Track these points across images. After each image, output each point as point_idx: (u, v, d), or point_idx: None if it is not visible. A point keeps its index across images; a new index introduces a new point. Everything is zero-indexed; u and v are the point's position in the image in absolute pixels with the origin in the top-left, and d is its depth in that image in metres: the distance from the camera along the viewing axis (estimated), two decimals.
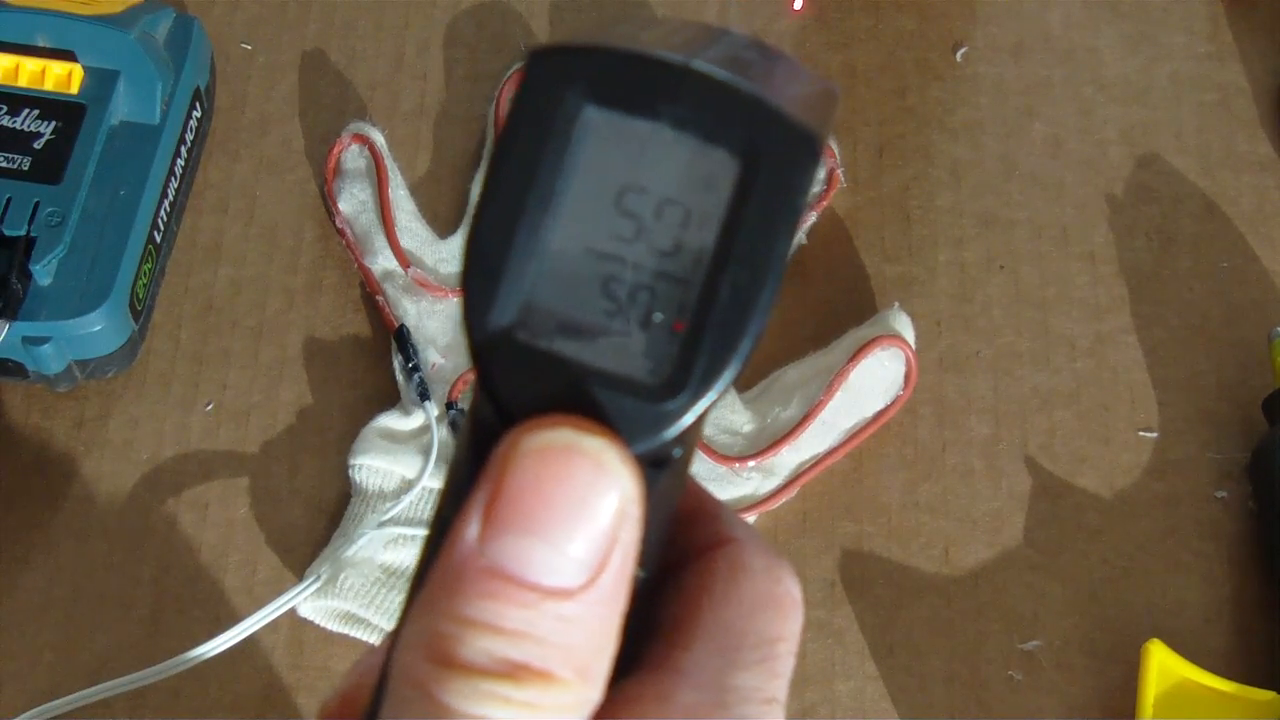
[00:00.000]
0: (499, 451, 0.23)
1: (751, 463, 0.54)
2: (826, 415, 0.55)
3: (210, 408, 0.57)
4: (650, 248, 0.23)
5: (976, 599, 0.54)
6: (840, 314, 0.58)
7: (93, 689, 0.51)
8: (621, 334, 0.23)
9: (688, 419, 0.23)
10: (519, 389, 0.23)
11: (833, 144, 0.59)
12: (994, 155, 0.62)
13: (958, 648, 0.53)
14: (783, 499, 0.54)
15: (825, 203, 0.59)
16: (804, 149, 0.23)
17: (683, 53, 0.24)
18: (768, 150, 0.23)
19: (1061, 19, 0.65)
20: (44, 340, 0.53)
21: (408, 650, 0.23)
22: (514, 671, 0.22)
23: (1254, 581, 0.54)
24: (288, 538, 0.55)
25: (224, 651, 0.51)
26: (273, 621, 0.51)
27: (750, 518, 0.54)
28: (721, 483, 0.54)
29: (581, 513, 0.23)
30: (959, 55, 0.64)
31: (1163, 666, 0.50)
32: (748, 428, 0.55)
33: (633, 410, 0.23)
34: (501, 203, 0.23)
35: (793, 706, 0.52)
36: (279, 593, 0.52)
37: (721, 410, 0.56)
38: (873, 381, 0.55)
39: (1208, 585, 0.54)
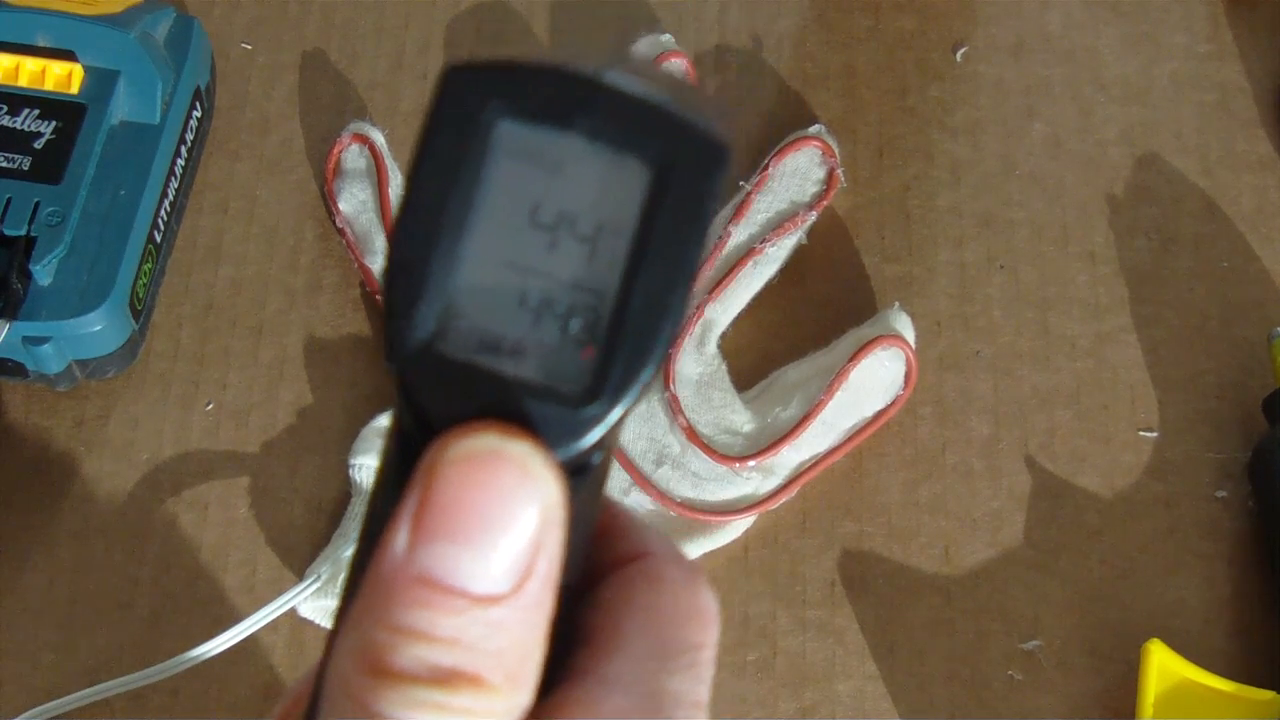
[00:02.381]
0: (424, 461, 0.23)
1: (751, 463, 0.54)
2: (826, 415, 0.55)
3: (210, 408, 0.57)
4: (566, 258, 0.24)
5: (976, 599, 0.54)
6: (840, 314, 0.58)
7: (93, 689, 0.51)
8: (540, 344, 0.24)
9: (607, 424, 0.24)
10: (441, 401, 0.24)
11: (833, 144, 0.59)
12: (994, 155, 0.62)
13: (958, 648, 0.53)
14: (783, 499, 0.54)
15: (825, 202, 0.59)
16: (714, 158, 0.24)
17: (594, 70, 0.24)
18: (679, 159, 0.24)
19: (1061, 19, 0.65)
20: (44, 340, 0.54)
21: (342, 659, 0.24)
22: (446, 678, 0.23)
23: (1254, 581, 0.54)
24: (288, 538, 0.55)
25: (224, 651, 0.51)
26: (273, 621, 0.51)
27: (750, 518, 0.54)
28: (721, 483, 0.54)
29: (507, 518, 0.23)
30: (959, 55, 0.64)
31: (1163, 666, 0.49)
32: (748, 428, 0.55)
33: (553, 417, 0.24)
34: (419, 218, 0.24)
35: (793, 706, 0.52)
36: (279, 593, 0.52)
37: (721, 410, 0.56)
38: (873, 381, 0.55)
39: (1208, 585, 0.54)
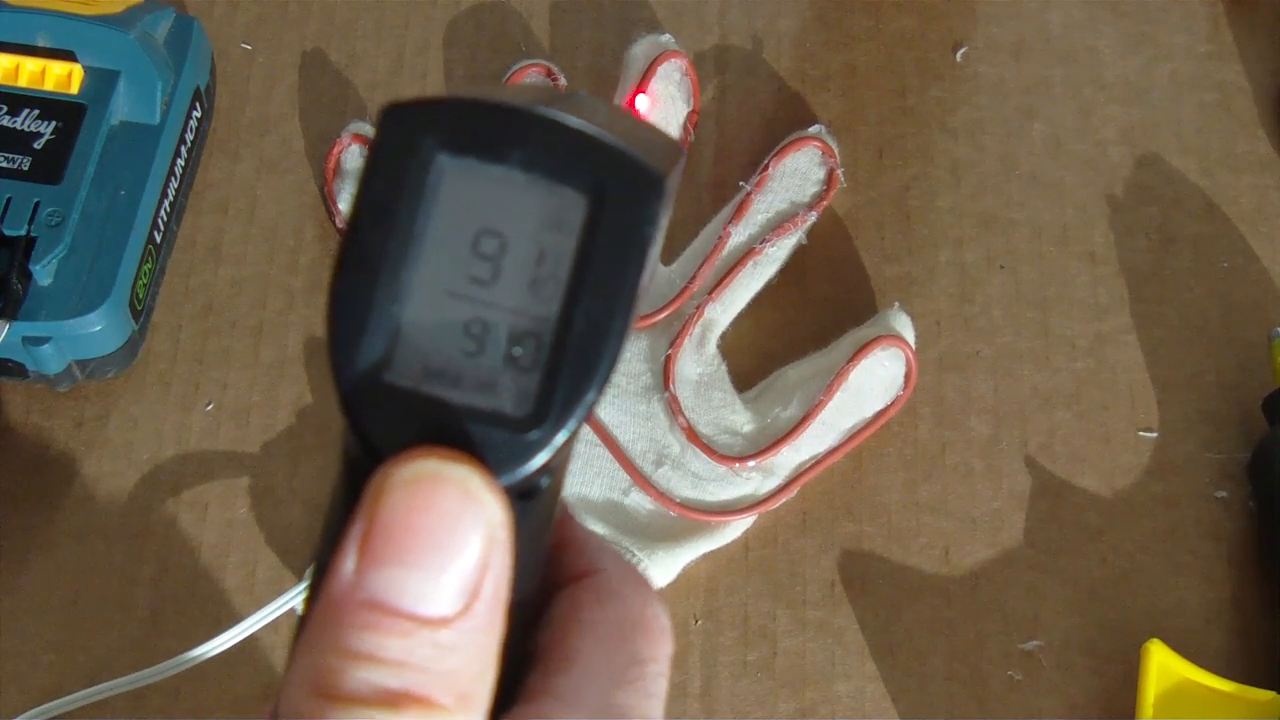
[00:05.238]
0: (370, 487, 0.24)
1: (751, 463, 0.54)
2: (826, 415, 0.55)
3: (210, 408, 0.57)
4: (507, 287, 0.25)
5: (976, 599, 0.54)
6: (840, 314, 0.58)
7: (93, 689, 0.51)
8: (484, 371, 0.25)
9: (551, 448, 0.24)
10: (386, 428, 0.24)
11: (833, 144, 0.59)
12: (994, 155, 0.62)
13: (958, 648, 0.53)
14: (783, 499, 0.54)
15: (825, 203, 0.59)
16: (648, 185, 0.24)
17: (529, 103, 0.25)
18: (613, 188, 0.24)
19: (1061, 19, 0.65)
20: (44, 340, 0.54)
21: (293, 686, 0.24)
22: (395, 700, 0.23)
23: (1254, 581, 0.54)
24: (288, 538, 0.55)
25: (224, 651, 0.51)
26: (273, 621, 0.51)
27: (750, 518, 0.54)
28: (721, 483, 0.54)
29: (452, 540, 0.23)
30: (959, 55, 0.64)
31: (1163, 666, 0.49)
32: (748, 428, 0.55)
33: (498, 442, 0.24)
34: (362, 251, 0.24)
35: (792, 706, 0.52)
36: (279, 593, 0.52)
37: (721, 410, 0.56)
38: (873, 381, 0.55)
39: (1208, 585, 0.54)
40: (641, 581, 0.28)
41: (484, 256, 0.25)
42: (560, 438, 0.24)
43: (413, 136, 0.25)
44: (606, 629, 0.27)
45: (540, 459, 0.24)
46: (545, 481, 0.25)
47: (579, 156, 0.24)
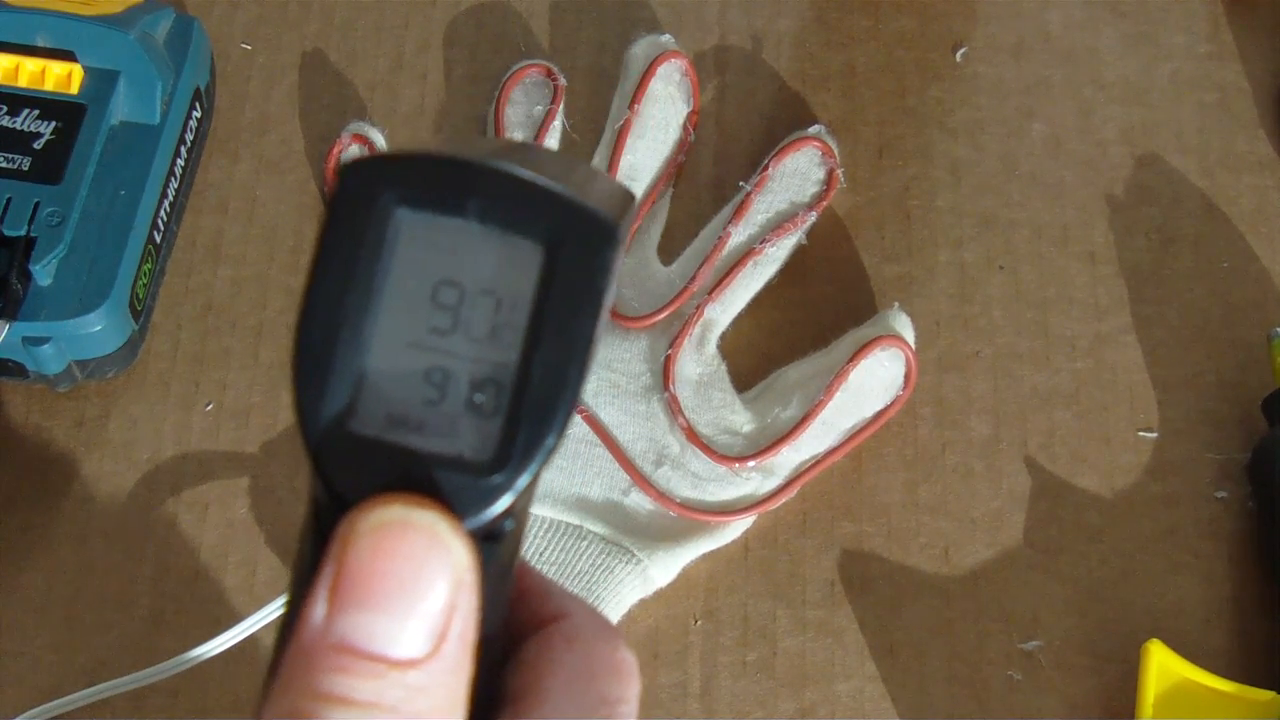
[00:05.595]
0: (338, 533, 0.24)
1: (751, 463, 0.54)
2: (826, 415, 0.55)
3: (210, 408, 0.57)
4: (467, 336, 0.25)
5: (976, 599, 0.54)
6: (840, 314, 0.58)
7: (93, 689, 0.51)
8: (446, 418, 0.25)
9: (514, 491, 0.25)
10: (352, 476, 0.25)
11: (833, 144, 0.59)
12: (994, 155, 0.62)
13: (958, 648, 0.53)
14: (783, 499, 0.54)
15: (825, 203, 0.59)
16: (601, 234, 0.25)
17: (484, 156, 0.26)
18: (567, 237, 0.25)
19: (1061, 19, 0.65)
20: (44, 340, 0.54)
21: None
22: None
23: (1254, 581, 0.54)
24: (288, 538, 0.55)
25: (224, 651, 0.51)
26: (272, 621, 0.51)
27: (750, 518, 0.54)
28: (721, 483, 0.54)
29: (419, 584, 0.24)
30: (959, 55, 0.64)
31: (1163, 666, 0.49)
32: (748, 428, 0.55)
33: (462, 487, 0.25)
34: (323, 304, 0.25)
35: (792, 706, 0.52)
36: (279, 593, 0.52)
37: (721, 410, 0.56)
38: (873, 381, 0.55)
39: (1208, 585, 0.54)
40: (608, 625, 0.29)
41: (443, 306, 0.25)
42: (523, 481, 0.25)
43: (371, 191, 0.25)
44: (576, 670, 0.28)
45: (504, 502, 0.25)
46: (509, 525, 0.26)
47: (534, 208, 0.25)
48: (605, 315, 0.26)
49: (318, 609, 0.24)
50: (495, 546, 0.26)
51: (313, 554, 0.25)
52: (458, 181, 0.25)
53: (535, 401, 0.25)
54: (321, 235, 0.26)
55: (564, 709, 0.27)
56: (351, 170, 0.26)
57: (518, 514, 0.26)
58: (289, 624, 0.25)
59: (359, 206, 0.25)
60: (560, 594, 0.29)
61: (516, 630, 0.28)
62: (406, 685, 0.24)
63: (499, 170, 0.25)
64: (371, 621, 0.24)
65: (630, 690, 0.28)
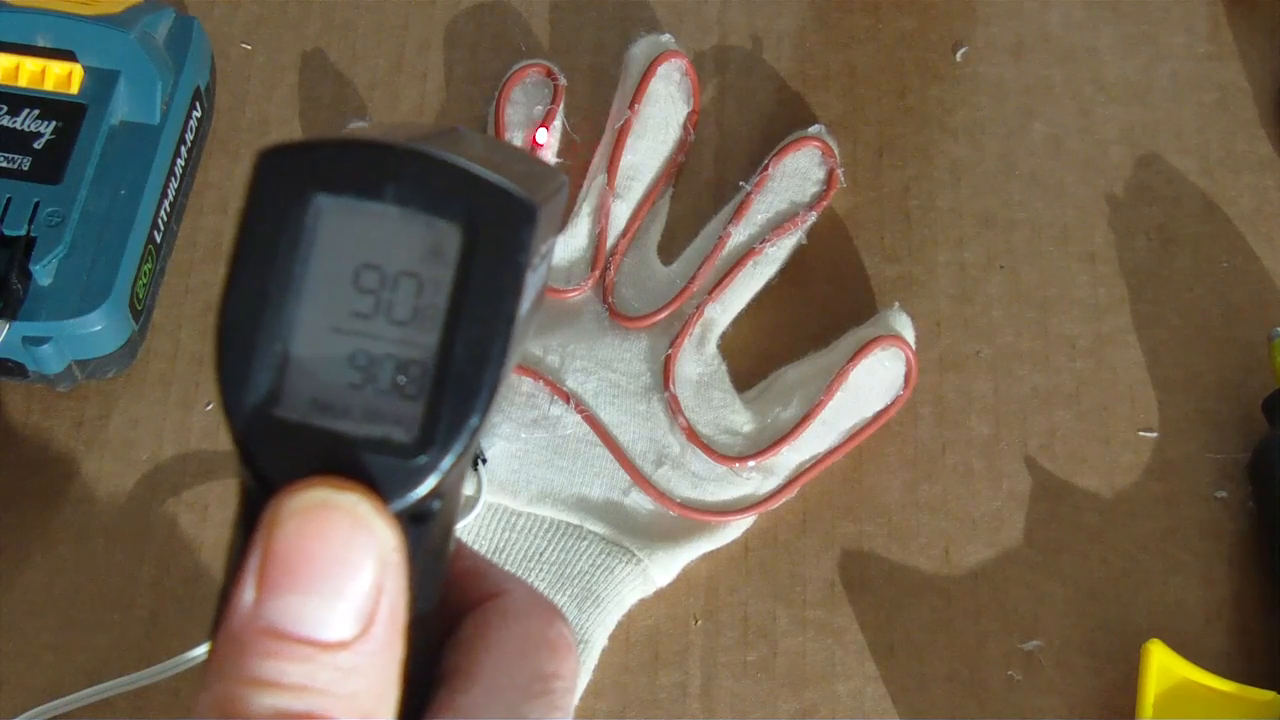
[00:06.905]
0: (264, 518, 0.25)
1: (751, 463, 0.54)
2: (826, 415, 0.55)
3: (210, 408, 0.57)
4: (389, 319, 0.25)
5: (976, 599, 0.54)
6: (840, 314, 0.58)
7: (93, 689, 0.51)
8: (371, 401, 0.25)
9: (440, 472, 0.25)
10: (277, 461, 0.25)
11: (833, 144, 0.59)
12: (994, 155, 0.62)
13: (958, 648, 0.53)
14: (783, 499, 0.54)
15: (825, 203, 0.59)
16: (519, 213, 0.25)
17: (403, 140, 0.26)
18: (486, 218, 0.25)
19: (1061, 19, 0.65)
20: (44, 340, 0.53)
21: (201, 716, 0.24)
22: None
23: (1254, 581, 0.54)
24: None
25: None
26: None
27: (750, 518, 0.54)
28: (721, 483, 0.54)
29: (345, 566, 0.24)
30: (959, 55, 0.64)
31: (1163, 666, 0.50)
32: (748, 428, 0.55)
33: (387, 469, 0.25)
34: (245, 291, 0.26)
35: (793, 706, 0.52)
36: None
37: (721, 410, 0.56)
38: (873, 381, 0.55)
39: (1208, 585, 0.54)
40: (545, 601, 0.29)
41: (365, 290, 0.26)
42: (447, 462, 0.25)
43: (290, 177, 0.25)
44: (512, 647, 0.28)
45: (429, 483, 0.25)
46: (436, 505, 0.26)
47: (451, 189, 0.25)
48: (531, 294, 0.26)
49: (246, 594, 0.24)
50: (424, 527, 0.26)
51: (242, 539, 0.25)
52: (375, 165, 0.25)
53: (458, 382, 0.25)
54: (241, 222, 0.26)
55: (499, 684, 0.27)
56: (268, 158, 0.26)
57: (445, 494, 0.26)
58: (220, 611, 0.25)
59: (278, 192, 0.25)
60: (498, 573, 0.29)
61: (455, 610, 0.28)
62: (337, 667, 0.24)
63: (416, 152, 0.25)
64: (299, 604, 0.24)
65: (566, 666, 0.28)
